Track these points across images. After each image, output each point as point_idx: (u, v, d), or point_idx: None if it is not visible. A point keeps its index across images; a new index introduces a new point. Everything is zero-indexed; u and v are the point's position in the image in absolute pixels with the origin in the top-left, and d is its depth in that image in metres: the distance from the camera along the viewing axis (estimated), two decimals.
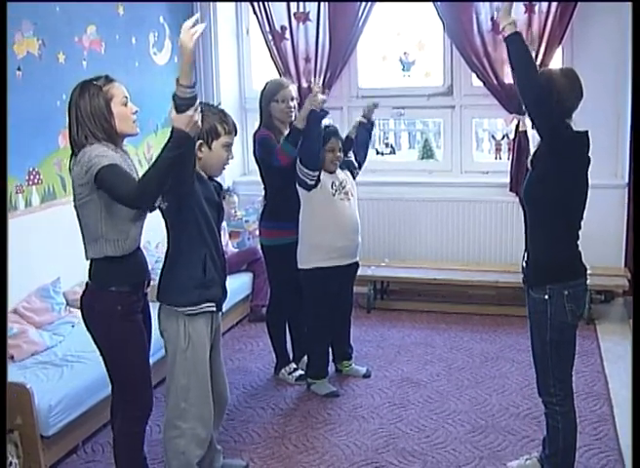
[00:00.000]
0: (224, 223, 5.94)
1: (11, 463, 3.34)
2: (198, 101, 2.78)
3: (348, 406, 4.32)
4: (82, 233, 2.99)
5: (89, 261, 3.03)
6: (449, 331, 5.48)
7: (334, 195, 4.30)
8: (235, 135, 3.23)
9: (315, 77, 6.20)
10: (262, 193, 4.50)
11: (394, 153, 7.47)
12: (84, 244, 3.00)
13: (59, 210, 4.67)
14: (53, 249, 4.56)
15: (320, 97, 4.12)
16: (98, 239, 2.94)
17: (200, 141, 3.06)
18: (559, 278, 3.15)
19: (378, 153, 7.31)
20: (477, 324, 5.60)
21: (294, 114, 4.39)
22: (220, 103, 3.31)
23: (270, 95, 4.38)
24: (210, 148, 3.11)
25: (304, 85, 6.27)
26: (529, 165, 3.24)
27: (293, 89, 4.43)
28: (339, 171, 4.37)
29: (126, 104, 2.97)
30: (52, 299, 4.50)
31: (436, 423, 4.09)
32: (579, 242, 3.22)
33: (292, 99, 4.37)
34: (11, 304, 4.16)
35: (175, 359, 3.14)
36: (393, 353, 5.10)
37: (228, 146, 3.19)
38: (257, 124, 4.52)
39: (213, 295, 3.18)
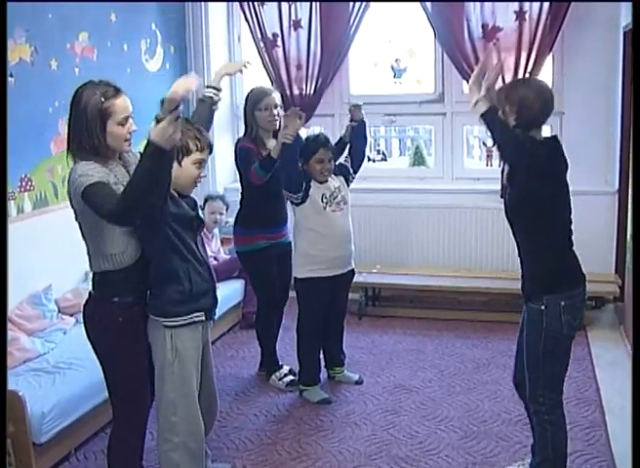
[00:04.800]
0: (216, 230, 5.95)
1: None
2: (176, 116, 2.61)
3: (341, 412, 4.32)
4: (87, 247, 2.99)
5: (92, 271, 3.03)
6: (440, 338, 5.49)
7: (324, 208, 4.28)
8: (210, 153, 3.13)
9: (306, 83, 6.23)
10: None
11: (385, 160, 7.52)
12: (88, 256, 2.99)
13: (50, 216, 4.67)
14: (44, 256, 4.55)
15: (291, 128, 4.06)
16: (96, 254, 2.94)
17: None
18: (555, 289, 3.13)
19: (369, 160, 7.34)
20: (469, 330, 5.61)
21: (278, 122, 4.39)
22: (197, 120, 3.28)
23: (254, 103, 4.37)
24: (180, 165, 3.02)
25: (296, 92, 6.29)
26: (505, 182, 3.25)
27: (276, 96, 4.42)
28: (331, 178, 4.35)
29: (123, 124, 2.88)
30: (44, 306, 4.48)
31: (428, 429, 4.09)
32: (574, 248, 3.22)
33: (275, 107, 4.37)
34: None
35: (163, 372, 3.10)
36: (385, 360, 5.10)
37: (200, 164, 3.08)
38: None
39: (201, 306, 3.13)
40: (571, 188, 3.18)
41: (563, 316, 3.13)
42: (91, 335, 3.04)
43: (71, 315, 4.59)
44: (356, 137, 4.52)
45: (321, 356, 4.63)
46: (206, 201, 5.91)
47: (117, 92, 2.89)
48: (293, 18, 6.21)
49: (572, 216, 3.21)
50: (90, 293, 3.06)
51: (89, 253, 2.99)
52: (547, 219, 3.12)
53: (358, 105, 4.50)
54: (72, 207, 2.92)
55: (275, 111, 4.36)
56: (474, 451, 3.84)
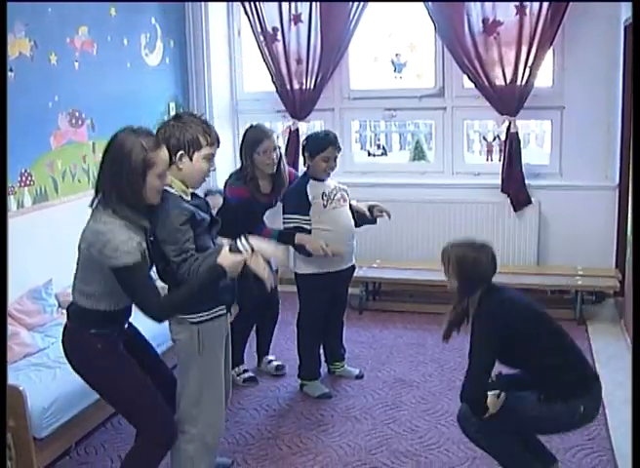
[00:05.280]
0: None
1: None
2: (249, 253, 2.85)
3: (341, 407, 4.33)
4: (76, 273, 2.92)
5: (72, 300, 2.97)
6: (440, 332, 5.46)
7: (325, 206, 4.28)
8: (218, 146, 3.12)
9: (306, 78, 6.23)
10: None
11: (385, 155, 7.49)
12: (74, 282, 2.92)
13: (50, 211, 4.68)
14: (44, 250, 4.55)
15: (322, 254, 4.18)
16: (90, 296, 2.88)
17: (181, 152, 2.98)
18: (576, 394, 3.03)
19: (369, 155, 7.33)
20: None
21: (276, 166, 4.34)
22: (203, 114, 3.23)
23: (251, 147, 4.29)
24: (191, 159, 3.01)
25: (296, 86, 6.29)
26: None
27: (274, 139, 4.36)
28: (331, 179, 4.37)
29: (161, 177, 2.83)
30: (44, 301, 4.49)
31: (429, 424, 4.10)
32: (580, 348, 3.16)
33: (274, 150, 4.30)
34: None
35: (188, 366, 3.11)
36: (385, 354, 5.11)
37: (210, 158, 3.07)
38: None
39: (223, 299, 3.16)
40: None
41: (578, 415, 3.04)
42: (76, 366, 2.99)
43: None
44: (362, 221, 4.53)
45: (321, 350, 4.63)
46: (205, 195, 5.89)
47: (158, 143, 2.84)
48: (293, 12, 6.21)
49: (551, 327, 3.16)
50: (65, 326, 3.00)
51: (75, 282, 2.92)
52: (534, 345, 3.08)
53: (387, 214, 4.52)
54: (81, 248, 2.83)
55: (274, 154, 4.30)
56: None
